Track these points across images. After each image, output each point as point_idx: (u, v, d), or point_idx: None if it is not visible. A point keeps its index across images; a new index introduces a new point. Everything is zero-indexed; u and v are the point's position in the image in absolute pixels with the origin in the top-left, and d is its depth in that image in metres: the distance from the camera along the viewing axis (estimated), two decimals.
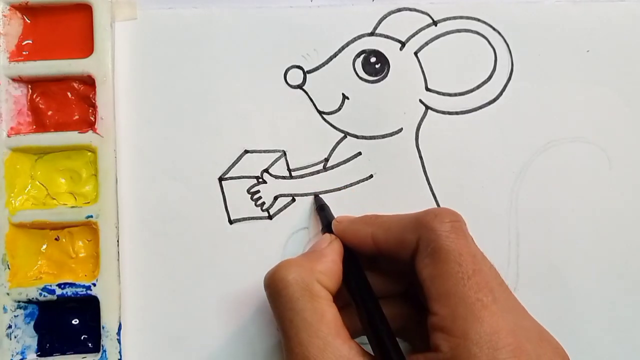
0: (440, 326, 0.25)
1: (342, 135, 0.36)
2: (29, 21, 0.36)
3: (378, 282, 0.30)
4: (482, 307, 0.25)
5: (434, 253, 0.26)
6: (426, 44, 0.36)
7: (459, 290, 0.25)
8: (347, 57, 0.36)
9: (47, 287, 0.34)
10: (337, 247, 0.30)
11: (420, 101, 0.36)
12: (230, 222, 0.35)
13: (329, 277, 0.28)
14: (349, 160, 0.36)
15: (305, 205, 0.35)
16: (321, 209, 0.34)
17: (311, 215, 0.35)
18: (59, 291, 0.34)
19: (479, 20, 0.36)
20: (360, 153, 0.36)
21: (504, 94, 0.36)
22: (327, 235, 0.31)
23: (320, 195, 0.35)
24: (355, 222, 0.31)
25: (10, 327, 0.34)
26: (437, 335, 0.25)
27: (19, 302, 0.34)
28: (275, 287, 0.28)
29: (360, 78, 0.36)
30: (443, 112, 0.36)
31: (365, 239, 0.30)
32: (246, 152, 0.35)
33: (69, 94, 0.36)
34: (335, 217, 0.33)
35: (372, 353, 0.27)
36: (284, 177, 0.36)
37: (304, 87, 0.36)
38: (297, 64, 0.36)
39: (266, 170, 0.36)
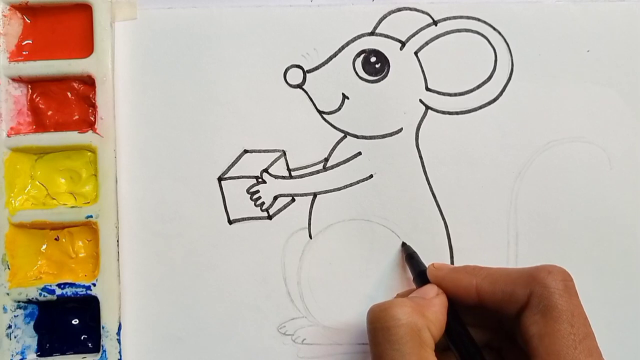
0: None
1: (342, 135, 0.36)
2: (29, 21, 0.36)
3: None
4: None
5: (546, 311, 0.26)
6: (426, 43, 0.36)
7: (570, 352, 0.25)
8: (347, 57, 0.36)
9: (47, 287, 0.34)
10: (444, 300, 0.30)
11: (420, 101, 0.36)
12: (230, 222, 0.35)
13: (436, 326, 0.28)
14: (349, 160, 0.36)
15: (304, 205, 0.35)
16: (410, 258, 0.34)
17: (311, 215, 0.35)
18: (58, 291, 0.34)
19: (479, 20, 0.36)
20: (360, 153, 0.36)
21: (504, 93, 0.36)
22: (434, 286, 0.31)
23: (407, 244, 0.35)
24: (457, 270, 0.31)
25: (10, 327, 0.34)
26: None
27: (18, 302, 0.34)
28: (384, 322, 0.27)
29: (360, 78, 0.36)
30: (443, 112, 0.36)
31: (468, 289, 0.29)
32: (246, 151, 0.35)
33: (69, 94, 0.36)
34: (432, 263, 0.32)
35: None
36: (283, 177, 0.36)
37: (303, 87, 0.36)
38: (297, 64, 0.36)
39: (266, 170, 0.36)
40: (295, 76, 0.36)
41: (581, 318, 0.26)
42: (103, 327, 0.34)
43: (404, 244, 0.35)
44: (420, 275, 0.32)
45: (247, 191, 0.35)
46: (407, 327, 0.27)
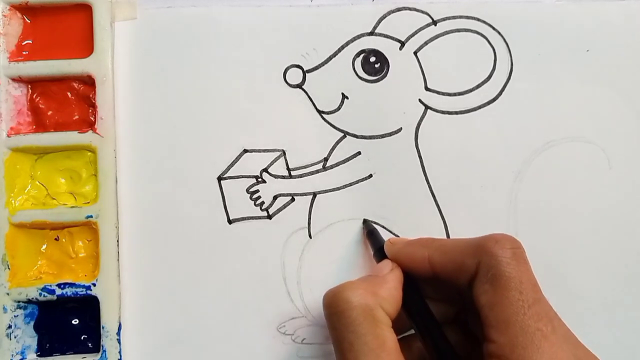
0: (498, 354, 0.25)
1: (342, 134, 0.36)
2: (29, 21, 0.36)
3: (431, 308, 0.30)
4: (542, 337, 0.25)
5: (495, 279, 0.26)
6: (426, 43, 0.36)
7: (519, 318, 0.25)
8: (346, 57, 0.36)
9: (47, 287, 0.34)
10: (398, 274, 0.30)
11: (420, 101, 0.36)
12: (230, 221, 0.35)
13: (390, 303, 0.28)
14: (349, 160, 0.36)
15: (304, 205, 0.35)
16: (371, 234, 0.34)
17: (310, 215, 0.35)
18: (58, 291, 0.34)
19: (478, 19, 0.36)
20: (359, 153, 0.36)
21: (503, 93, 0.36)
22: (388, 261, 0.31)
23: (368, 220, 0.35)
24: (410, 244, 0.31)
25: (10, 327, 0.34)
26: None
27: (18, 302, 0.34)
28: (337, 307, 0.28)
29: (360, 77, 0.36)
30: (442, 112, 0.36)
31: (421, 261, 0.30)
32: (245, 151, 0.35)
33: (68, 94, 0.36)
34: (389, 239, 0.33)
35: None
36: (283, 177, 0.36)
37: (303, 87, 0.36)
38: (297, 64, 0.36)
39: (265, 170, 0.36)
40: (295, 76, 0.36)
41: (530, 284, 0.26)
42: (103, 327, 0.34)
43: (365, 221, 0.35)
44: (379, 251, 0.32)
45: (247, 191, 0.35)
46: (360, 308, 0.27)
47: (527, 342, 0.24)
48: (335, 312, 0.28)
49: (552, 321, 0.25)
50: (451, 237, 0.35)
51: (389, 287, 0.29)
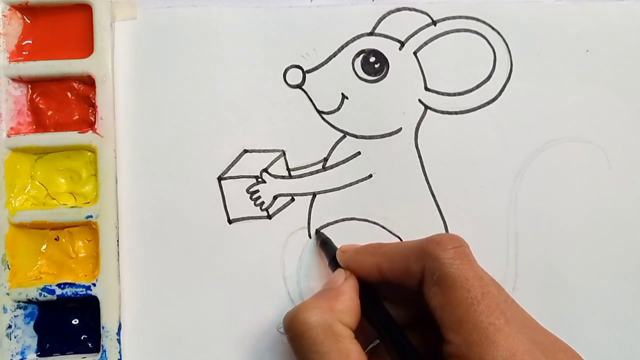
0: (456, 354, 0.25)
1: (342, 135, 0.36)
2: (29, 21, 0.36)
3: (392, 311, 0.30)
4: (496, 330, 0.25)
5: (441, 281, 0.26)
6: (425, 43, 0.36)
7: (471, 316, 0.25)
8: (346, 57, 0.36)
9: (47, 287, 0.34)
10: (352, 283, 0.30)
11: (420, 101, 0.36)
12: (230, 221, 0.35)
13: (349, 314, 0.28)
14: (348, 160, 0.36)
15: (304, 205, 0.35)
16: (324, 244, 0.34)
17: (310, 215, 0.35)
18: (58, 291, 0.34)
19: (478, 19, 0.36)
20: (359, 153, 0.36)
21: (503, 93, 0.36)
22: (342, 271, 0.31)
23: (321, 230, 0.35)
24: (359, 252, 0.31)
25: (10, 327, 0.34)
26: None
27: (18, 302, 0.34)
28: (297, 330, 0.28)
29: (360, 78, 0.36)
30: (442, 112, 0.36)
31: (370, 269, 0.30)
32: (245, 151, 0.36)
33: (68, 94, 0.36)
34: (339, 246, 0.33)
35: None
36: (283, 177, 0.36)
37: (303, 87, 0.36)
38: (297, 64, 0.36)
39: (265, 170, 0.36)
40: (294, 76, 0.36)
41: (476, 279, 0.26)
42: (103, 327, 0.34)
43: (317, 232, 0.35)
44: (333, 260, 0.32)
45: (247, 191, 0.35)
46: (319, 327, 0.27)
47: (482, 338, 0.24)
48: (296, 335, 0.28)
49: (505, 312, 0.25)
50: None
51: (345, 298, 0.29)
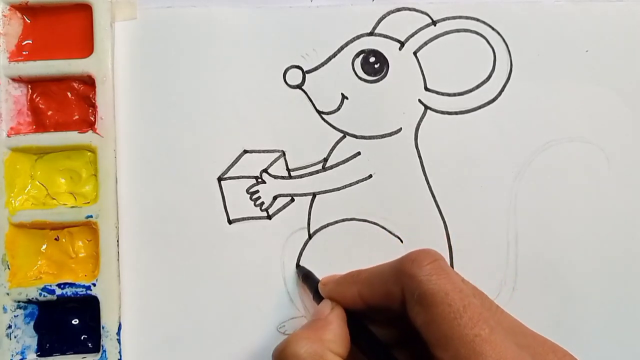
0: None
1: (341, 135, 0.36)
2: (29, 21, 0.36)
3: (381, 334, 0.30)
4: (482, 341, 0.24)
5: (421, 299, 0.26)
6: (425, 43, 0.36)
7: (455, 330, 0.25)
8: (346, 57, 0.36)
9: (47, 287, 0.34)
10: (339, 313, 0.30)
11: (420, 101, 0.36)
12: (230, 222, 0.35)
13: (338, 343, 0.28)
14: (348, 160, 0.36)
15: (304, 205, 0.35)
16: (306, 278, 0.34)
17: (310, 215, 0.35)
18: (58, 291, 0.34)
19: (478, 20, 0.36)
20: (359, 153, 0.36)
21: (503, 94, 0.36)
22: (327, 301, 0.31)
23: (302, 265, 0.35)
24: (339, 283, 0.31)
25: (10, 327, 0.34)
26: None
27: (18, 302, 0.34)
28: None
29: (360, 78, 0.36)
30: (442, 112, 0.36)
31: (353, 298, 0.30)
32: (245, 152, 0.36)
33: (68, 94, 0.36)
34: (320, 279, 0.33)
35: None
36: (283, 177, 0.36)
37: (303, 87, 0.36)
38: (297, 64, 0.36)
39: (265, 170, 0.36)
40: (294, 77, 0.36)
41: (456, 293, 0.26)
42: (103, 327, 0.34)
43: (298, 266, 0.35)
44: (317, 292, 0.32)
45: (247, 191, 0.35)
46: (309, 358, 0.27)
47: (470, 352, 0.24)
48: None
49: (488, 321, 0.25)
50: (451, 238, 0.35)
51: (333, 327, 0.29)
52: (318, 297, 0.32)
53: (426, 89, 0.36)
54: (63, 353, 0.35)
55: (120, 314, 0.34)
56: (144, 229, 0.35)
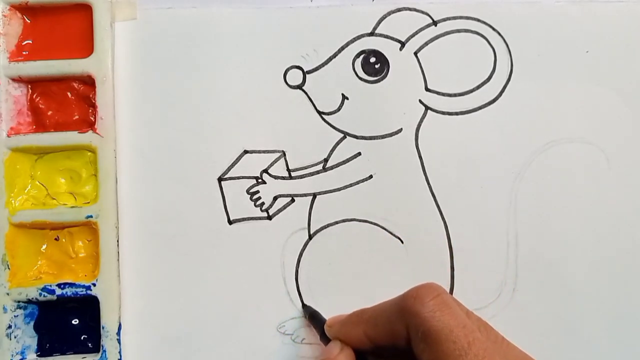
0: None
1: (342, 135, 0.36)
2: (29, 21, 0.36)
3: None
4: None
5: (426, 337, 0.26)
6: (426, 44, 0.36)
7: None
8: (346, 57, 0.36)
9: (47, 287, 0.34)
10: (348, 353, 0.30)
11: (420, 101, 0.36)
12: (230, 222, 0.35)
13: None
14: (349, 161, 0.36)
15: (304, 205, 0.35)
16: (312, 317, 0.34)
17: (310, 216, 0.35)
18: (58, 291, 0.34)
19: (478, 20, 0.36)
20: (359, 153, 0.36)
21: (503, 94, 0.36)
22: (336, 342, 0.31)
23: (307, 304, 0.35)
24: (345, 324, 0.31)
25: (10, 327, 0.34)
26: None
27: (18, 302, 0.34)
28: None
29: (360, 78, 0.36)
30: (443, 113, 0.36)
31: (359, 339, 0.29)
32: (246, 152, 0.36)
33: (68, 94, 0.36)
34: (327, 320, 0.33)
35: None
36: (283, 178, 0.36)
37: (303, 88, 0.36)
38: (297, 65, 0.36)
39: (265, 171, 0.36)
40: (295, 77, 0.36)
41: (460, 328, 0.26)
42: (103, 327, 0.34)
43: (304, 305, 0.35)
44: (324, 334, 0.32)
45: (247, 191, 0.35)
46: None
47: None
48: None
49: (493, 356, 0.25)
50: (452, 238, 0.35)
51: None
52: (325, 339, 0.32)
53: (427, 89, 0.36)
54: (63, 353, 0.35)
55: (120, 314, 0.34)
56: (144, 229, 0.35)
